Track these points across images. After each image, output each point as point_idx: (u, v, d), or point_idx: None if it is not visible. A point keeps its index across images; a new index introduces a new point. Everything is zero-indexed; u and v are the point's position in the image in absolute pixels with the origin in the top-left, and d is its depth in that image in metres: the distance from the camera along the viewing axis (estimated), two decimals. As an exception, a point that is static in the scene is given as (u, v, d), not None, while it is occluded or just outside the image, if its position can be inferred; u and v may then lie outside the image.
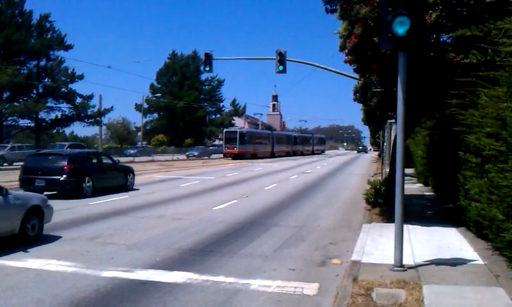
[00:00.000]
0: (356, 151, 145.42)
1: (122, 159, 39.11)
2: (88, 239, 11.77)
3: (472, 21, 9.99)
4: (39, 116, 63.27)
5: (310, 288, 8.02)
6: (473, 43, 10.13)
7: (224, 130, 75.21)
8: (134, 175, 24.34)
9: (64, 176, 19.56)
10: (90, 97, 65.74)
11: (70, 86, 63.94)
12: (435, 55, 12.15)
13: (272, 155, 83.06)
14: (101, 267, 9.14)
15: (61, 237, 11.86)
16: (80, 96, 65.09)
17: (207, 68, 30.37)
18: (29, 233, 11.15)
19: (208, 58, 29.88)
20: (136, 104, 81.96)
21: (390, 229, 10.25)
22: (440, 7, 11.16)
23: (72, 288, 7.83)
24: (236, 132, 72.34)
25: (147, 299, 7.45)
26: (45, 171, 19.77)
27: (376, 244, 10.71)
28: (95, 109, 63.92)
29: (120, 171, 23.59)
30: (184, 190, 24.25)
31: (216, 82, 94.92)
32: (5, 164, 40.67)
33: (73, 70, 63.48)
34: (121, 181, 23.12)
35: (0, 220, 10.48)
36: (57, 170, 19.77)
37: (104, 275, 8.60)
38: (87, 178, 20.35)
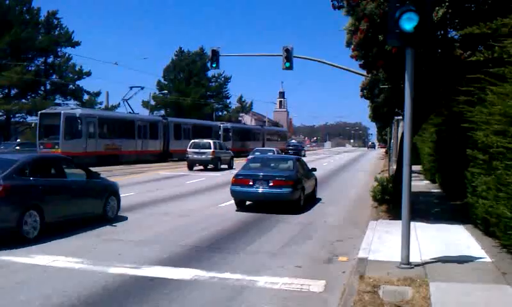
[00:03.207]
0: (366, 148, 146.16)
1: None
2: (95, 235, 11.81)
3: (479, 17, 9.95)
4: (47, 113, 63.47)
5: (317, 285, 8.02)
6: (481, 39, 10.09)
7: (39, 112, 38.81)
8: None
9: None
10: (97, 94, 65.78)
11: (78, 82, 64.03)
12: (442, 51, 12.11)
13: (165, 157, 49.39)
14: (108, 263, 9.17)
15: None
16: (88, 92, 65.14)
17: (214, 65, 30.34)
18: None
19: (215, 55, 29.84)
20: (143, 101, 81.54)
21: (396, 227, 10.22)
22: (447, 3, 11.10)
23: (79, 285, 7.86)
24: (59, 114, 36.92)
25: (154, 295, 7.48)
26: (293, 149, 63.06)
27: (383, 241, 10.69)
28: (103, 106, 64.04)
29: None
30: (190, 187, 24.29)
31: (222, 79, 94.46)
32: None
33: (81, 66, 63.43)
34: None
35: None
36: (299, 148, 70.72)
37: (111, 272, 8.63)
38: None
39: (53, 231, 11.48)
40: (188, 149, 37.33)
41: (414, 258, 8.80)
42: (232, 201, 17.78)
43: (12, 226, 10.48)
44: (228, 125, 65.62)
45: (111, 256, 9.76)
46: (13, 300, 7.16)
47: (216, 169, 36.35)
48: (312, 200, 18.54)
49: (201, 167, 36.65)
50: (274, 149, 40.57)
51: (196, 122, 60.55)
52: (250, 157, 28.26)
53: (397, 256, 8.74)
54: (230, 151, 41.88)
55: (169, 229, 12.85)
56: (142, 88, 54.43)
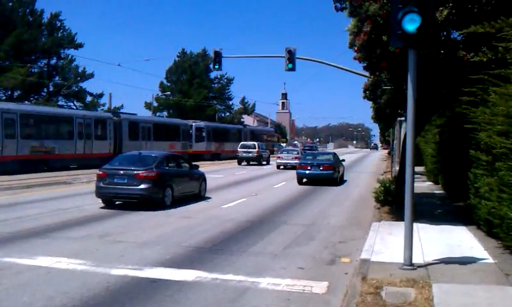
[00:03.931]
0: (368, 149, 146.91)
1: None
2: (97, 237, 11.83)
3: (483, 18, 9.93)
4: (49, 115, 63.59)
5: (319, 287, 8.01)
6: (484, 40, 10.07)
7: None
8: None
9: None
10: (100, 95, 66.09)
11: (81, 84, 64.31)
12: (445, 52, 12.09)
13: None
14: (111, 264, 9.18)
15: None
16: (91, 94, 65.47)
17: (217, 66, 30.35)
18: None
19: (218, 56, 29.85)
20: (145, 102, 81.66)
21: (399, 228, 10.21)
22: (451, 4, 11.09)
23: (81, 286, 7.87)
24: None
25: (157, 296, 7.48)
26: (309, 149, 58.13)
27: (386, 243, 10.68)
28: (105, 107, 64.14)
29: None
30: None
31: (225, 80, 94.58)
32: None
33: (84, 68, 63.88)
34: None
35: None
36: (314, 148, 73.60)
37: (113, 273, 8.63)
38: None
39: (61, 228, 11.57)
40: (238, 149, 49.15)
41: (417, 259, 8.79)
42: (235, 202, 17.95)
43: (160, 197, 16.63)
44: (202, 123, 58.84)
45: (114, 258, 9.77)
46: (16, 301, 7.17)
47: (259, 164, 47.01)
48: (341, 179, 28.70)
49: (205, 169, 36.85)
50: (298, 149, 49.43)
51: (158, 120, 55.57)
52: (280, 154, 43.99)
53: (399, 258, 8.73)
54: (267, 150, 53.14)
55: (172, 231, 12.85)
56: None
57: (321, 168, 26.57)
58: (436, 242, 10.65)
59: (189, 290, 7.79)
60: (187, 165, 19.60)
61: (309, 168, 26.75)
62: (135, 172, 16.39)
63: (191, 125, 56.17)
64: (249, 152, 47.85)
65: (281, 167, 40.54)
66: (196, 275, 8.53)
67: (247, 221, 14.36)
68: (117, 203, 17.07)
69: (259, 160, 47.53)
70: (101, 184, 16.75)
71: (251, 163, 47.40)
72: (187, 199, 18.19)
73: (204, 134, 56.81)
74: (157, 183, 16.46)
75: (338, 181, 27.25)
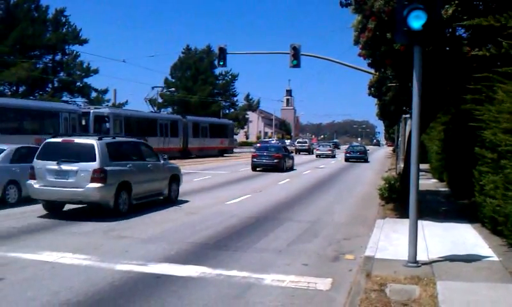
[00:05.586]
0: (372, 146, 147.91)
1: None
2: (102, 232, 11.85)
3: (488, 15, 9.89)
4: (54, 110, 63.61)
5: (324, 283, 8.01)
6: (489, 36, 10.04)
7: None
8: None
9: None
10: (105, 91, 66.21)
11: (85, 80, 64.38)
12: (451, 49, 12.05)
13: None
14: (115, 260, 9.21)
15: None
16: (96, 90, 65.56)
17: (221, 63, 30.36)
18: None
19: (223, 52, 29.84)
20: (150, 99, 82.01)
21: (404, 225, 10.20)
22: (456, 1, 11.05)
23: (86, 281, 7.90)
24: None
25: (161, 292, 7.50)
26: (334, 145, 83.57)
27: (390, 240, 10.67)
28: (110, 103, 64.23)
29: None
30: (197, 184, 24.28)
31: (229, 77, 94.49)
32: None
33: (89, 64, 63.87)
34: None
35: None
36: (337, 144, 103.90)
37: (118, 269, 8.66)
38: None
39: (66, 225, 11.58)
40: (296, 144, 78.15)
41: (421, 256, 8.78)
42: (239, 199, 17.97)
43: (282, 166, 33.18)
44: (106, 110, 41.41)
45: (118, 253, 9.80)
46: (20, 296, 7.20)
47: (309, 153, 68.73)
48: (366, 161, 50.30)
49: (210, 165, 37.21)
50: (329, 144, 70.27)
51: (12, 103, 34.40)
52: (318, 147, 66.50)
53: (404, 255, 8.72)
54: (313, 142, 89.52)
55: (176, 227, 12.87)
56: None
57: (358, 153, 51.76)
58: (440, 240, 10.63)
59: (193, 286, 7.81)
60: (287, 151, 37.20)
61: (350, 153, 51.32)
62: (272, 153, 33.61)
63: (88, 112, 38.17)
64: (303, 146, 74.66)
65: (318, 156, 59.74)
66: (200, 271, 8.55)
67: (251, 217, 14.33)
68: (258, 169, 32.91)
69: (309, 151, 71.56)
70: (254, 160, 33.66)
71: (301, 153, 69.61)
72: (287, 168, 34.03)
73: (109, 126, 38.86)
74: (281, 159, 33.26)
75: (367, 161, 50.22)
